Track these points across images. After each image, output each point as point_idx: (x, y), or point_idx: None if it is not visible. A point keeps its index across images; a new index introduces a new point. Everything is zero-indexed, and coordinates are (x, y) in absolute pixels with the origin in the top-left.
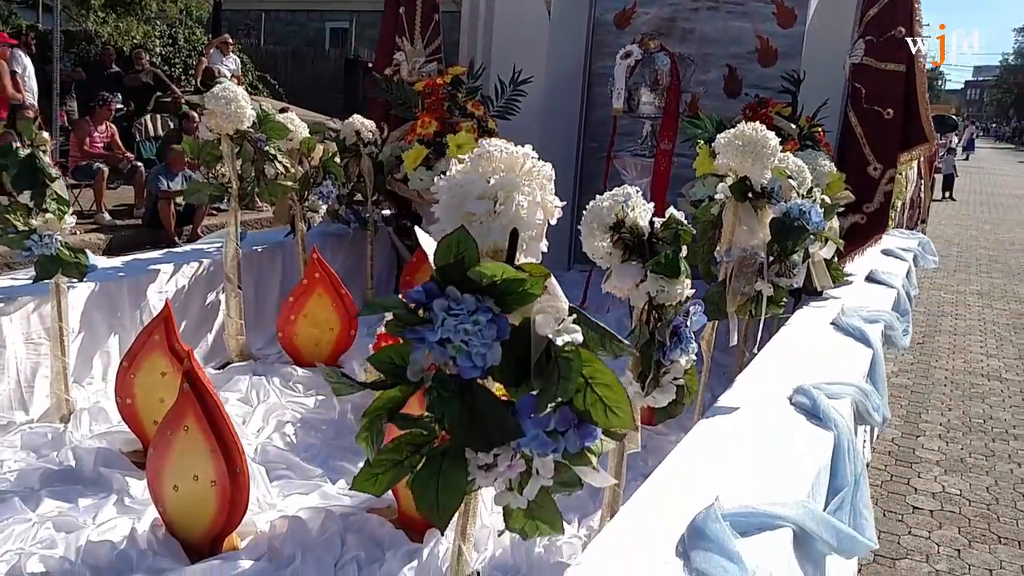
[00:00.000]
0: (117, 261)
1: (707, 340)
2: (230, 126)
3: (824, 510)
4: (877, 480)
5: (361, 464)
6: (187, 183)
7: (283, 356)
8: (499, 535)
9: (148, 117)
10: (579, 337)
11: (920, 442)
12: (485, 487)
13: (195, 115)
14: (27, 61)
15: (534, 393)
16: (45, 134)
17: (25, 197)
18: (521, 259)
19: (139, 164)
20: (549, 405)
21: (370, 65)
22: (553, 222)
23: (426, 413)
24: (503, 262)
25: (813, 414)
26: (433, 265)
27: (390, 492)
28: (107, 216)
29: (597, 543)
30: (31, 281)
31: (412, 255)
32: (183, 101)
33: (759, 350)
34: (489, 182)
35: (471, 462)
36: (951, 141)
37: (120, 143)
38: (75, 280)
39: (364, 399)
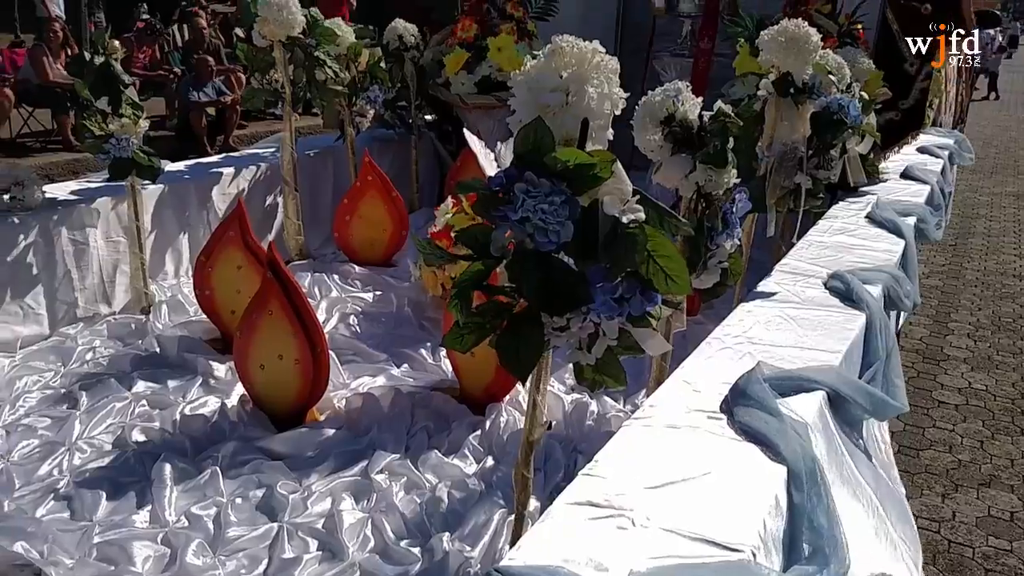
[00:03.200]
0: (181, 165)
1: (746, 233)
2: (282, 32)
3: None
4: (904, 376)
5: (422, 350)
6: (217, 94)
7: (339, 255)
8: (570, 390)
9: (175, 27)
10: (642, 215)
11: (948, 340)
12: (559, 346)
13: (201, 21)
14: None
15: (603, 265)
16: (116, 43)
17: (102, 103)
18: (590, 147)
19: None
20: (620, 276)
21: None
22: (618, 112)
23: (507, 283)
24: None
25: (847, 297)
26: (491, 160)
27: (452, 373)
28: None
29: (648, 402)
30: (105, 183)
31: (454, 160)
32: (207, 9)
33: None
34: (561, 76)
35: (547, 325)
36: (996, 39)
37: (159, 60)
38: (148, 181)
39: (418, 296)
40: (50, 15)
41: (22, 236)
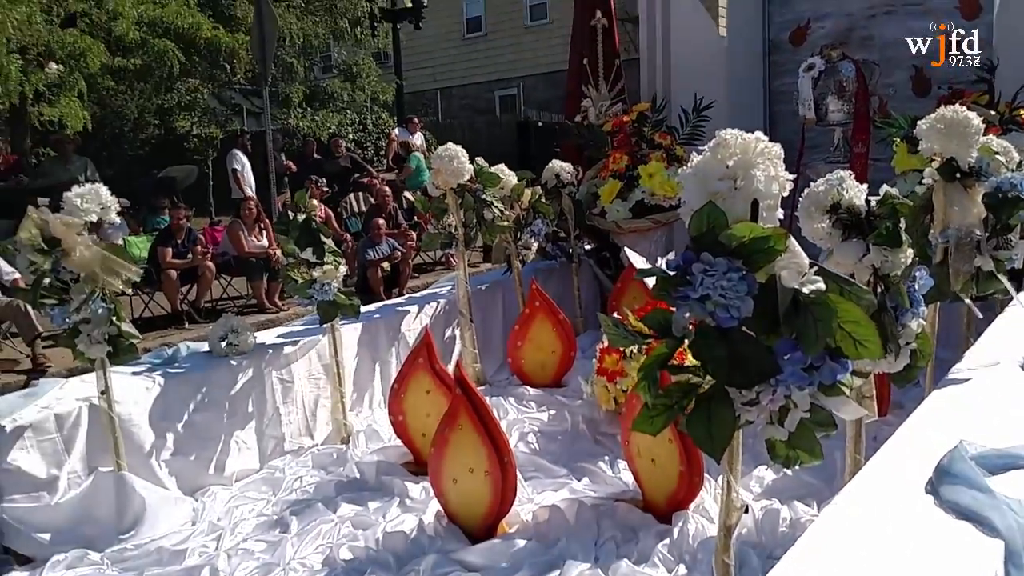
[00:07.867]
0: (371, 307)
1: (930, 323)
2: (454, 180)
3: None
4: None
5: (600, 463)
6: (391, 250)
7: (513, 379)
8: (765, 469)
9: (352, 196)
10: (822, 285)
11: None
12: (751, 420)
13: (385, 189)
14: (244, 159)
15: (791, 336)
16: (314, 201)
17: (307, 253)
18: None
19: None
20: (811, 346)
21: (540, 124)
22: (785, 193)
23: (692, 361)
24: None
25: None
26: (689, 234)
27: (633, 484)
28: None
29: (849, 489)
30: (318, 324)
31: (613, 284)
32: (379, 179)
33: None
34: (728, 165)
35: (736, 400)
36: None
37: (335, 224)
38: (350, 320)
39: (592, 412)
40: (244, 195)
41: (239, 376)
